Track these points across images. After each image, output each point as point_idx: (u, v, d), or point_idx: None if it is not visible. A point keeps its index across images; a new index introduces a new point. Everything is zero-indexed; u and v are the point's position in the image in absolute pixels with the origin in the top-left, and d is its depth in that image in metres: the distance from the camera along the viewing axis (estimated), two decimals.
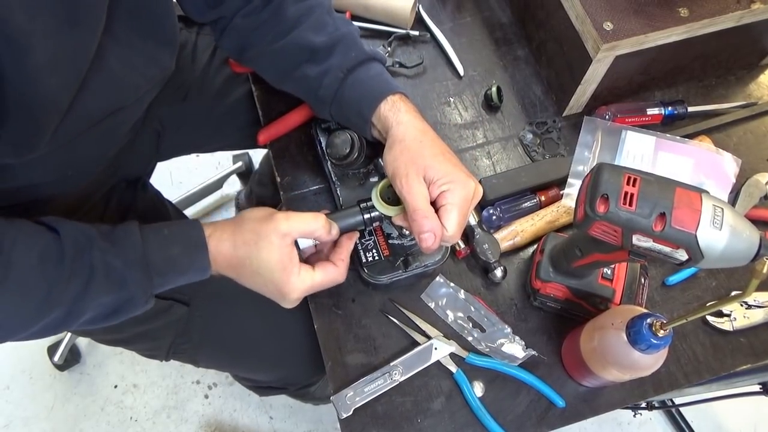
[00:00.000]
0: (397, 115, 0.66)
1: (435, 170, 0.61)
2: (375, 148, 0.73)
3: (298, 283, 0.61)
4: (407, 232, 0.69)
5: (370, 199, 0.65)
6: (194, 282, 0.76)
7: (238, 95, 0.93)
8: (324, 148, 0.75)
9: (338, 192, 0.75)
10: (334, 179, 0.76)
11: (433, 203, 0.62)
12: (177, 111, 0.91)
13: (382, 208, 0.64)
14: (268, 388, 1.08)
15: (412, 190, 0.60)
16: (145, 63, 0.66)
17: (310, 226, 0.61)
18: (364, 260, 0.71)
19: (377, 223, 0.67)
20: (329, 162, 0.75)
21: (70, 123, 0.58)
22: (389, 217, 0.65)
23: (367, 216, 0.65)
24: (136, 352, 0.89)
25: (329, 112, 0.72)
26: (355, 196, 0.71)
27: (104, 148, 0.75)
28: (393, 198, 0.67)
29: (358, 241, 0.71)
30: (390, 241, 0.72)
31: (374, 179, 0.74)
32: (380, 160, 0.72)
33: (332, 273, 0.64)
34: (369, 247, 0.71)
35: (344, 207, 0.66)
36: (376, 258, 0.71)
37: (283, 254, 0.59)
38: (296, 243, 0.62)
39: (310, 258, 0.67)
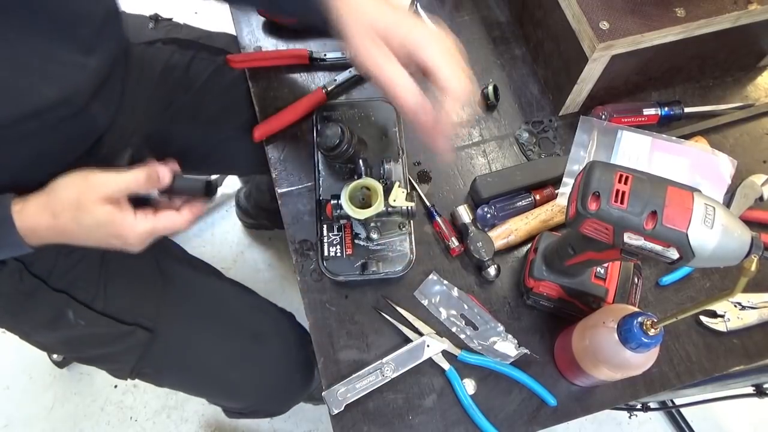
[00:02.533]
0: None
1: (397, 26, 0.54)
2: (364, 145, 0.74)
3: (138, 226, 0.60)
4: (375, 236, 0.70)
5: (337, 197, 0.65)
6: (160, 307, 0.75)
7: (236, 122, 0.92)
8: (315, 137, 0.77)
9: (320, 181, 0.76)
10: (320, 168, 0.77)
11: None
12: (164, 132, 0.90)
13: (349, 209, 0.64)
14: (236, 413, 1.08)
15: (373, 60, 0.53)
16: (38, 62, 0.63)
17: (131, 185, 0.60)
18: (325, 254, 0.72)
19: (345, 221, 0.67)
20: (318, 151, 0.76)
21: None
22: (351, 217, 0.65)
23: (335, 212, 0.66)
24: (103, 370, 0.88)
25: (281, 7, 0.71)
26: (335, 189, 0.72)
27: (37, 154, 0.71)
28: (364, 200, 0.67)
29: (326, 234, 0.72)
30: (356, 241, 0.72)
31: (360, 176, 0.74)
32: (359, 160, 0.72)
33: (173, 218, 0.63)
34: (334, 243, 0.72)
35: (192, 176, 0.67)
36: (338, 254, 0.72)
37: (108, 211, 0.59)
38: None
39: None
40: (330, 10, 0.59)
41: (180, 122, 0.90)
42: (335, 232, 0.73)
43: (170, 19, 0.95)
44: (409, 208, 0.69)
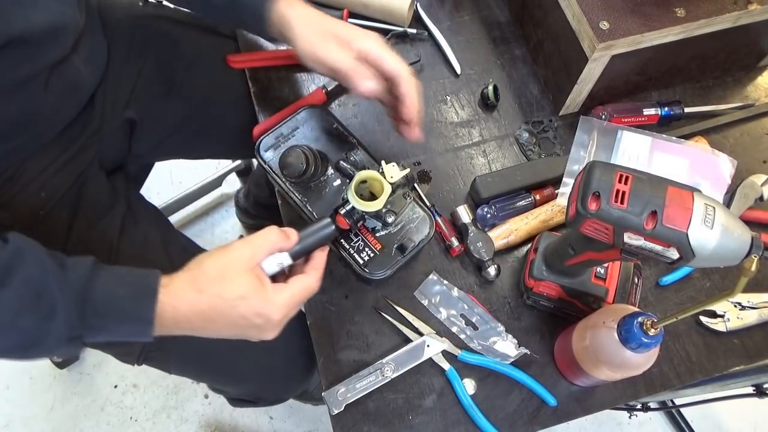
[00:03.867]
0: (294, 9, 0.69)
1: (345, 32, 0.67)
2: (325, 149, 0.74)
3: (278, 299, 0.57)
4: (391, 219, 0.69)
5: (344, 205, 0.64)
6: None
7: (229, 100, 0.92)
8: (278, 171, 0.72)
9: (309, 208, 0.72)
10: (298, 198, 0.72)
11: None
12: (157, 107, 0.90)
13: (362, 206, 0.64)
14: (240, 400, 1.07)
15: (334, 55, 0.66)
16: None
17: (269, 239, 0.58)
18: (361, 261, 0.70)
19: (361, 223, 0.66)
20: (286, 183, 0.72)
21: None
22: (370, 212, 0.65)
23: (349, 220, 0.64)
24: (110, 354, 0.88)
25: (221, 17, 0.76)
26: (328, 206, 0.70)
27: (38, 120, 0.72)
28: (368, 194, 0.67)
29: (348, 245, 0.70)
30: (377, 235, 0.71)
31: (337, 182, 0.73)
32: (341, 162, 0.71)
33: (305, 281, 0.60)
34: (360, 248, 0.70)
35: (307, 225, 0.64)
36: (372, 255, 0.71)
37: (253, 278, 0.56)
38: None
39: (278, 279, 0.64)
40: (277, 21, 0.70)
41: (174, 99, 0.91)
42: (354, 240, 0.71)
43: (160, 1, 0.96)
44: (408, 176, 0.69)
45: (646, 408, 1.17)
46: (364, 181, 0.68)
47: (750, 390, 0.91)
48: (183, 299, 0.55)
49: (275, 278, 0.61)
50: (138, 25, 0.89)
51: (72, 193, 0.80)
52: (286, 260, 0.60)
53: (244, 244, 0.58)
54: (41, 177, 0.77)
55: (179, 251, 0.88)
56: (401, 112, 0.69)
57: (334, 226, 0.63)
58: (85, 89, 0.81)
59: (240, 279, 0.56)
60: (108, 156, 0.87)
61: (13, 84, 0.67)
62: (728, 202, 0.81)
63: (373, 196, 0.66)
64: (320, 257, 0.63)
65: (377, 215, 0.68)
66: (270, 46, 0.91)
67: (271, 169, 0.73)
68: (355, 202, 0.64)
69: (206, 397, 1.51)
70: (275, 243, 0.59)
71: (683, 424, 1.45)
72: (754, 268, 0.47)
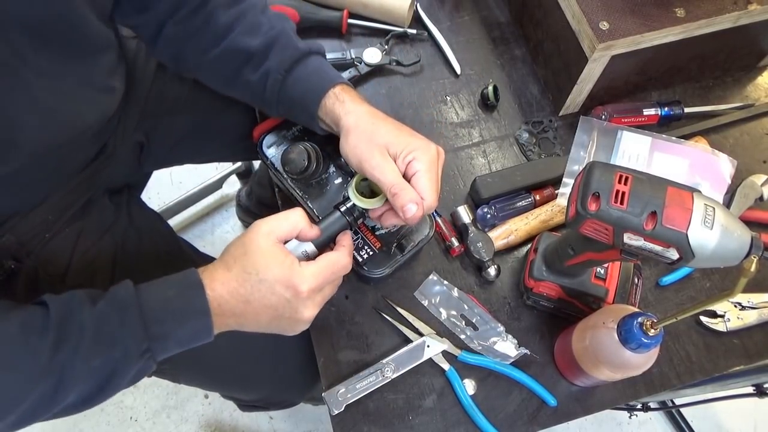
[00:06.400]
0: (344, 106, 0.66)
1: (396, 144, 0.62)
2: (327, 147, 0.74)
3: (305, 270, 0.57)
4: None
5: (344, 202, 0.64)
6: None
7: (235, 110, 0.91)
8: (280, 168, 0.73)
9: (310, 205, 0.72)
10: (299, 194, 0.73)
11: (404, 176, 0.63)
12: (164, 124, 0.89)
13: (363, 203, 0.64)
14: (250, 405, 1.07)
15: (382, 169, 0.61)
16: (81, 89, 0.64)
17: (290, 219, 0.59)
18: (360, 260, 0.70)
19: (361, 220, 0.66)
20: (288, 179, 0.73)
21: (11, 160, 0.59)
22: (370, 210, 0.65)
23: (349, 217, 0.64)
24: None
25: (277, 112, 0.72)
26: (328, 204, 0.70)
27: (61, 172, 0.73)
28: (369, 191, 0.67)
29: None
30: (377, 233, 0.71)
31: (339, 180, 0.73)
32: (342, 159, 0.72)
33: (332, 255, 0.60)
34: (359, 246, 0.71)
35: (322, 217, 0.65)
36: (371, 253, 0.71)
37: (275, 249, 0.57)
38: None
39: None
40: (326, 117, 0.67)
41: (180, 113, 0.90)
42: (354, 237, 0.70)
43: None
44: None
45: (646, 408, 1.17)
46: (365, 179, 0.68)
47: (750, 390, 0.91)
48: (217, 279, 0.57)
49: None
50: (143, 44, 0.89)
51: (77, 214, 0.80)
52: (310, 248, 0.61)
53: (263, 221, 0.58)
54: (49, 201, 0.76)
55: (187, 265, 0.87)
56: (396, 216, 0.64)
57: (345, 219, 0.64)
58: (106, 134, 0.81)
59: (260, 252, 0.56)
60: (118, 177, 0.87)
61: (48, 149, 0.67)
62: (728, 202, 0.81)
63: (373, 194, 0.66)
64: (346, 237, 0.63)
65: None
66: None
67: (273, 166, 0.74)
68: (356, 199, 0.64)
69: (206, 397, 1.51)
70: (296, 223, 0.59)
71: (683, 424, 1.45)
72: (753, 268, 0.47)
